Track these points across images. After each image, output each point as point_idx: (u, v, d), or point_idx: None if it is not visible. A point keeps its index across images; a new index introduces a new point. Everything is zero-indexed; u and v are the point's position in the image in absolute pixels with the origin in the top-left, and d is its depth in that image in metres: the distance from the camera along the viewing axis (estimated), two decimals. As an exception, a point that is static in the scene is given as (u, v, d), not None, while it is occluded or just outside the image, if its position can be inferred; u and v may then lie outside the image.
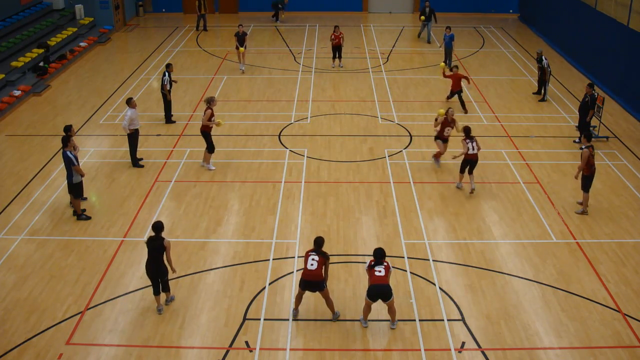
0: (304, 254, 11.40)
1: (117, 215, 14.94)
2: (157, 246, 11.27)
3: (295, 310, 11.51)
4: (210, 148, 16.97)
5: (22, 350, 10.74)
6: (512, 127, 19.88)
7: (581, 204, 15.05)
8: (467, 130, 15.51)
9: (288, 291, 12.19)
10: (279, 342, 10.94)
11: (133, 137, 16.91)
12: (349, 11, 35.98)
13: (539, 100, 22.03)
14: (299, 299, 11.43)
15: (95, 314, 11.62)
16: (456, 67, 21.18)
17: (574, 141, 18.66)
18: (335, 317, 11.48)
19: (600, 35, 24.15)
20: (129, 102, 16.83)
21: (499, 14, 35.62)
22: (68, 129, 15.14)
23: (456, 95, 21.18)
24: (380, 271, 10.83)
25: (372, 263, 10.97)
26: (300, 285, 11.24)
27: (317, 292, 11.32)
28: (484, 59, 27.47)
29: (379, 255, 10.95)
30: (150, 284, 11.72)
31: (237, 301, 11.95)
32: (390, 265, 11.01)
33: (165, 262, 11.46)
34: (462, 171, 15.75)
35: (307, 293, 11.62)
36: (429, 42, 29.59)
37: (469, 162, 15.55)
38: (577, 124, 18.97)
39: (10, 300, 12.02)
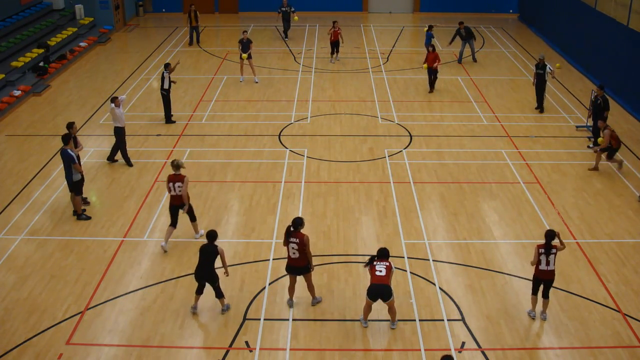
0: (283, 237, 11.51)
1: (117, 215, 14.94)
2: (210, 252, 11.28)
3: (290, 300, 11.74)
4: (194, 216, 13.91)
5: (22, 350, 10.74)
6: (512, 127, 19.88)
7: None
8: (548, 237, 11.10)
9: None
10: (279, 342, 10.94)
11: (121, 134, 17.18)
12: (349, 11, 35.95)
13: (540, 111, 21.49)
14: (291, 289, 11.69)
15: (95, 314, 11.62)
16: (432, 47, 22.60)
17: (588, 146, 18.33)
18: (315, 302, 11.76)
19: (600, 35, 24.13)
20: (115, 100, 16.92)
21: (499, 14, 35.61)
22: (70, 125, 15.16)
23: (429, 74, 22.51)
24: (381, 271, 10.83)
25: (372, 260, 11.00)
26: (287, 270, 11.59)
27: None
28: (484, 59, 27.44)
29: (381, 255, 10.98)
30: (151, 285, 11.70)
31: (237, 301, 11.95)
32: (392, 266, 11.02)
33: (219, 267, 11.50)
34: (534, 292, 11.45)
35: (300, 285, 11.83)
36: (474, 60, 26.59)
37: (540, 282, 11.32)
38: (590, 127, 18.70)
39: (10, 300, 12.01)
